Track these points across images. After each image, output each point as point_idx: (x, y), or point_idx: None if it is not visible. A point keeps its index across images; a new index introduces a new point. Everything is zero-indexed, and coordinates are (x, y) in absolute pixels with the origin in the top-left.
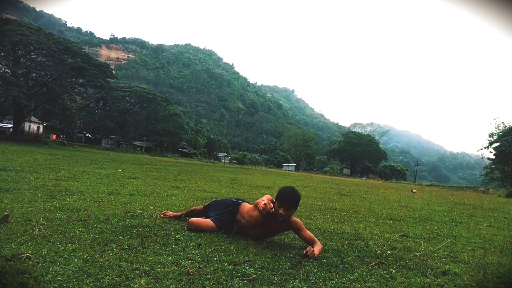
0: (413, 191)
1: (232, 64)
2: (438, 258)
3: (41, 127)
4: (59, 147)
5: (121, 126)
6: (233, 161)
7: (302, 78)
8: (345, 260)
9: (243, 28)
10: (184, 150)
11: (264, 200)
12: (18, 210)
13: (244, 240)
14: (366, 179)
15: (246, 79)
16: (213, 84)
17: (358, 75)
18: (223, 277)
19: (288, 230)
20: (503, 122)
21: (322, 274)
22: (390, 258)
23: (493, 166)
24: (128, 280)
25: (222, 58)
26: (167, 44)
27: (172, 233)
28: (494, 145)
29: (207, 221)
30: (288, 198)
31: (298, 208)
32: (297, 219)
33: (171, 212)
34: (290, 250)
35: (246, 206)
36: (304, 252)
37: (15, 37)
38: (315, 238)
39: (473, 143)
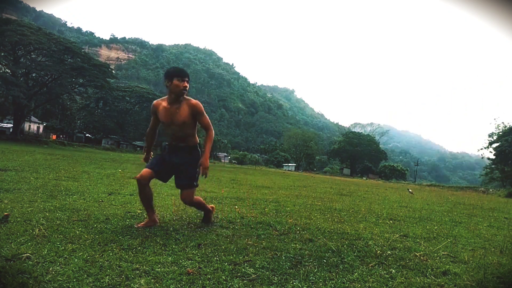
0: (410, 190)
1: (232, 64)
2: (438, 258)
3: (41, 127)
4: (59, 147)
5: (121, 126)
6: (233, 161)
7: (302, 78)
8: (345, 260)
9: (243, 28)
10: None
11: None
12: (18, 210)
13: (244, 240)
14: (366, 179)
15: (246, 79)
16: (213, 84)
17: (358, 75)
18: (223, 277)
19: (190, 114)
20: (503, 122)
21: (322, 274)
22: (390, 258)
23: (493, 166)
24: (128, 280)
25: (222, 58)
26: (167, 44)
27: (172, 233)
28: (494, 145)
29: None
30: (182, 70)
31: (298, 208)
32: (198, 103)
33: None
34: (290, 250)
35: (160, 105)
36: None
37: (15, 37)
38: (210, 127)
39: (473, 143)
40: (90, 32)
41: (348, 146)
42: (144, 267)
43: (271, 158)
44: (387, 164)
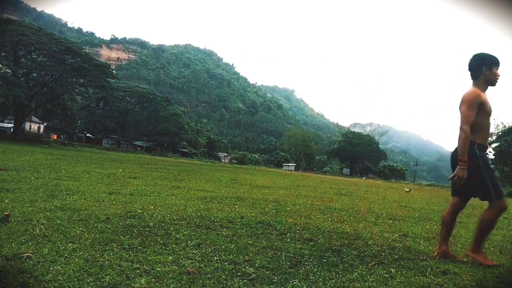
0: (407, 190)
1: (232, 64)
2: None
3: (42, 127)
4: (60, 147)
5: (121, 126)
6: (233, 161)
7: (302, 78)
8: (345, 259)
9: (243, 28)
10: (184, 150)
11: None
12: (19, 210)
13: (244, 239)
14: (366, 179)
15: (246, 79)
16: (213, 84)
17: (358, 75)
18: (223, 276)
19: None
20: (502, 122)
21: (322, 274)
22: (389, 258)
23: (492, 166)
24: (129, 279)
25: (222, 58)
26: (167, 45)
27: (173, 232)
28: (494, 145)
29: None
30: (498, 58)
31: (298, 208)
32: None
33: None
34: (290, 249)
35: (481, 94)
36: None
37: (15, 37)
38: None
39: None
40: (91, 32)
41: (348, 146)
42: (145, 266)
43: (271, 158)
44: (386, 164)
